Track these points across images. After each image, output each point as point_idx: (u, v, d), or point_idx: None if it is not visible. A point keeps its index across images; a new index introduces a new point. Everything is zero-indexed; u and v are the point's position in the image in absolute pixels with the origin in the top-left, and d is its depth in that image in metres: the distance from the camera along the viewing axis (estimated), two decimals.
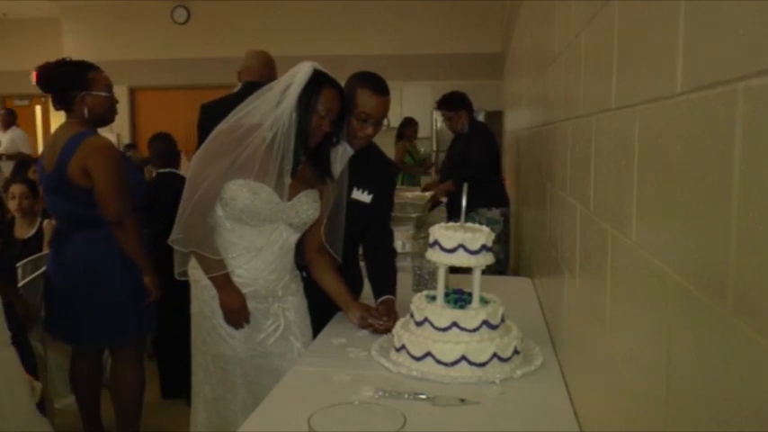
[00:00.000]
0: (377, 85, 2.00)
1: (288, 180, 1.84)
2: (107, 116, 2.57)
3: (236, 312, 1.87)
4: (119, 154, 2.60)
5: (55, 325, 2.62)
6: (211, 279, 1.86)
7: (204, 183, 1.79)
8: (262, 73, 3.08)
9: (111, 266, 2.49)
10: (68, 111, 2.50)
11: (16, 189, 3.57)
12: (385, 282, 2.06)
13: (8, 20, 9.74)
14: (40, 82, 2.47)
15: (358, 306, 1.94)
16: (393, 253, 2.23)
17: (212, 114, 3.10)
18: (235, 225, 1.84)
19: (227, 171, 1.79)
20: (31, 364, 2.20)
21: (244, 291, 1.87)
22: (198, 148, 3.21)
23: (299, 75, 1.81)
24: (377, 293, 2.04)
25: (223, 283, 1.86)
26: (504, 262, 4.06)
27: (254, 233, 1.85)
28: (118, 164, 2.49)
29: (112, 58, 7.62)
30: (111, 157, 2.48)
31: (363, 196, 2.09)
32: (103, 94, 2.52)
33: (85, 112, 2.48)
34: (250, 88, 3.08)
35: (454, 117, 4.07)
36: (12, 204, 3.53)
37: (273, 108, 1.80)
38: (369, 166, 2.08)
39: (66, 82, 2.46)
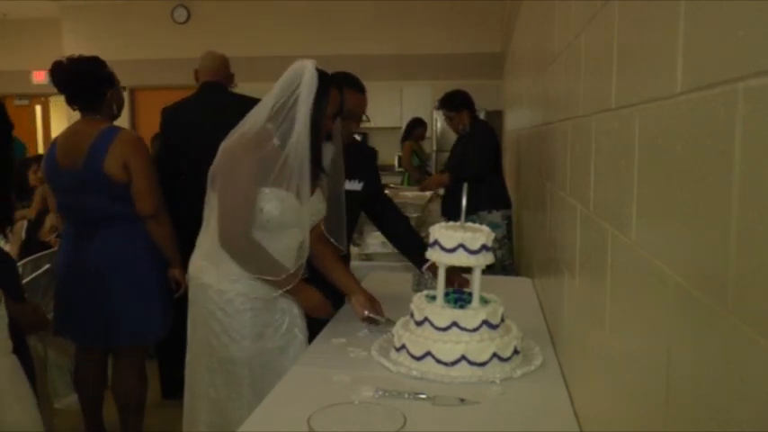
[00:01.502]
0: (357, 84, 2.19)
1: (308, 185, 1.85)
2: (122, 110, 2.65)
3: (320, 307, 1.93)
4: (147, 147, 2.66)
5: (74, 326, 2.57)
6: (285, 291, 1.89)
7: (248, 203, 1.80)
8: (217, 72, 3.19)
9: (144, 262, 2.50)
10: (93, 108, 2.50)
11: None
12: (420, 247, 2.15)
13: (8, 20, 9.73)
14: (58, 80, 2.45)
15: (363, 293, 1.96)
16: (407, 218, 2.53)
17: (175, 118, 3.14)
18: (256, 232, 1.85)
19: (261, 187, 1.81)
20: (30, 373, 2.16)
21: (256, 294, 1.89)
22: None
23: (305, 79, 1.80)
24: (420, 261, 2.16)
25: (297, 289, 1.89)
26: (510, 268, 3.96)
27: (273, 239, 1.87)
28: (151, 157, 2.54)
29: (112, 58, 7.56)
30: (147, 151, 2.54)
31: (354, 185, 2.27)
32: (121, 88, 2.62)
33: (114, 107, 2.54)
34: (208, 87, 3.15)
35: (455, 117, 4.03)
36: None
37: (284, 113, 1.80)
38: (352, 158, 2.18)
39: (97, 79, 2.48)
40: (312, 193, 1.90)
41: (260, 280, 1.86)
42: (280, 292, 1.87)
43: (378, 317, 1.89)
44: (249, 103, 3.15)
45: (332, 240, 1.99)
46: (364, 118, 2.28)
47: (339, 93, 1.89)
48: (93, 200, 2.46)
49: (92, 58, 2.53)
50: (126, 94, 8.90)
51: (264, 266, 1.84)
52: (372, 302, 1.93)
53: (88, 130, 2.45)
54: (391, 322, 1.80)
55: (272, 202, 1.81)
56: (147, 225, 2.47)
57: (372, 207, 2.43)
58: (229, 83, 3.26)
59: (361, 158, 2.34)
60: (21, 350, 2.07)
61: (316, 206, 1.93)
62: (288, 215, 1.83)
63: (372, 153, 2.62)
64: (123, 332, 2.53)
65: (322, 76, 1.83)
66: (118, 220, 2.46)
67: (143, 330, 2.57)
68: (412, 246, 2.35)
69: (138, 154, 2.45)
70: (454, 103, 4.03)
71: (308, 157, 1.81)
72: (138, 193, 2.42)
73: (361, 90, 2.21)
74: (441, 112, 4.53)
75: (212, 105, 3.08)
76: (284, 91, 1.81)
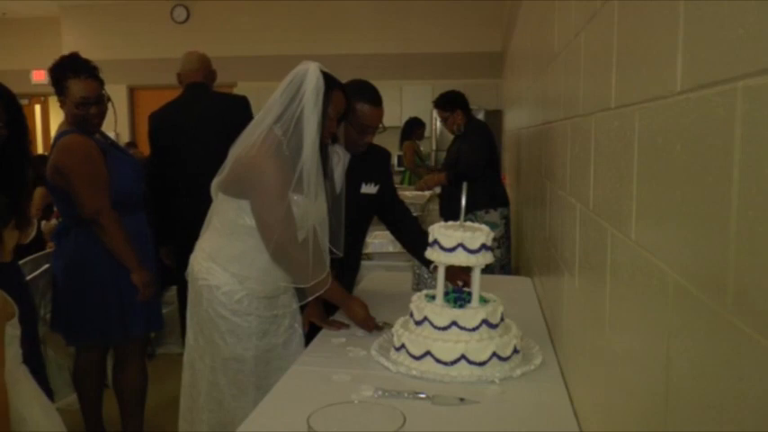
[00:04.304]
0: (374, 97, 2.15)
1: (321, 188, 1.85)
2: (81, 126, 2.43)
3: (368, 320, 1.91)
4: (92, 150, 2.41)
5: (60, 323, 2.59)
6: (332, 300, 1.93)
7: (290, 212, 1.79)
8: (199, 72, 3.17)
9: (102, 264, 2.45)
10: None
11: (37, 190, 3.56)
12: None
13: (8, 19, 9.73)
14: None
15: (356, 303, 1.95)
16: (416, 219, 2.53)
17: (163, 121, 3.12)
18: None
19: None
20: (43, 379, 2.16)
21: (263, 293, 1.90)
22: (150, 159, 3.21)
23: (309, 84, 1.78)
24: (430, 261, 2.14)
25: (343, 299, 1.93)
26: (508, 268, 3.95)
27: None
28: (89, 160, 2.38)
29: (112, 58, 7.62)
30: (82, 154, 2.38)
31: (371, 188, 2.29)
32: (74, 107, 2.40)
33: (67, 115, 2.47)
34: (193, 89, 3.14)
35: (449, 118, 4.03)
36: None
37: (291, 122, 1.79)
38: (369, 161, 2.25)
39: (53, 82, 2.45)
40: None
41: (270, 282, 1.88)
42: (309, 297, 1.89)
43: (383, 324, 1.89)
44: (235, 101, 3.17)
45: (330, 247, 1.98)
46: (380, 128, 2.23)
47: (344, 95, 1.88)
48: (57, 203, 2.53)
49: (64, 61, 2.44)
50: (125, 94, 8.92)
51: (310, 273, 1.83)
52: (369, 314, 1.93)
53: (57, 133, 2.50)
54: (389, 325, 1.80)
55: (299, 208, 1.81)
56: (95, 229, 2.40)
57: (385, 209, 2.40)
58: (212, 81, 3.25)
59: (377, 161, 2.33)
60: (32, 353, 2.06)
61: (324, 206, 1.92)
62: (300, 218, 1.83)
63: (387, 155, 2.55)
64: (86, 330, 2.51)
65: (326, 78, 1.81)
66: (83, 221, 2.41)
67: (99, 330, 2.52)
68: (422, 246, 2.32)
69: (69, 158, 2.36)
70: (448, 103, 4.02)
71: (319, 164, 1.81)
72: (74, 197, 2.37)
73: (377, 103, 2.14)
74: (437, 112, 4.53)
75: (199, 106, 3.08)
76: (287, 95, 1.80)
